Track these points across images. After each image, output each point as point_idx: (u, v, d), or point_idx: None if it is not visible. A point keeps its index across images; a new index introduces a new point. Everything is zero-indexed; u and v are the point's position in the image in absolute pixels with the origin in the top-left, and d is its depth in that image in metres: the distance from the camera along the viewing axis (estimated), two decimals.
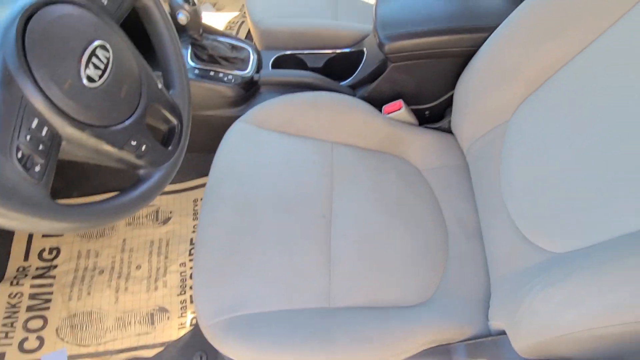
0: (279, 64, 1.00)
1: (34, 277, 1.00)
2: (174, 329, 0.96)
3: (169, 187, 1.12)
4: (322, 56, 1.01)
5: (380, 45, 0.79)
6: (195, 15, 0.80)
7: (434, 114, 0.95)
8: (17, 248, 1.04)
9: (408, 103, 0.92)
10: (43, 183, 0.39)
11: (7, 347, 0.92)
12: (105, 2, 0.49)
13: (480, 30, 0.77)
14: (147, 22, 0.58)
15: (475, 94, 0.78)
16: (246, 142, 0.79)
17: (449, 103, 0.90)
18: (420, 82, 0.87)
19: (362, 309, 0.67)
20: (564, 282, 0.52)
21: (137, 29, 0.58)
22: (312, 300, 0.67)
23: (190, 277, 1.02)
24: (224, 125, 0.84)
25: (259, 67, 0.93)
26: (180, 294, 1.00)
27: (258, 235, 0.70)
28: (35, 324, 0.96)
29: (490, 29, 0.75)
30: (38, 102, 0.39)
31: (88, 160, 0.47)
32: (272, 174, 0.76)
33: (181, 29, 0.82)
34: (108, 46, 0.46)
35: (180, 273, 1.02)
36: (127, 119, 0.48)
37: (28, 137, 0.37)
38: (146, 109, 0.51)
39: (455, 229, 0.79)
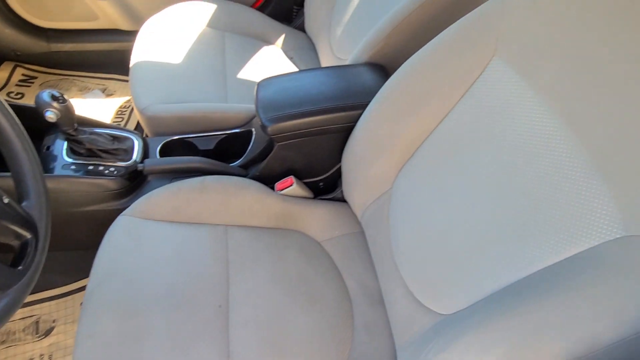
0: (168, 149, 0.98)
1: None
2: None
3: (50, 293, 1.00)
4: (212, 138, 1.02)
5: (263, 128, 0.81)
6: (66, 111, 0.76)
7: (328, 185, 0.98)
8: None
9: (301, 177, 0.94)
10: None
11: None
12: None
13: (354, 107, 0.82)
14: None
15: (359, 164, 0.82)
16: (130, 237, 0.74)
17: (340, 173, 0.94)
18: (308, 158, 0.90)
19: None
20: (452, 345, 0.53)
21: None
22: None
23: None
24: (110, 219, 0.79)
25: (145, 156, 0.91)
26: None
27: (145, 344, 0.64)
28: None
29: (363, 106, 0.81)
30: None
31: None
32: (161, 269, 0.72)
33: (54, 125, 0.78)
34: None
35: None
36: None
37: None
38: None
39: (359, 297, 0.80)
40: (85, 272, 1.05)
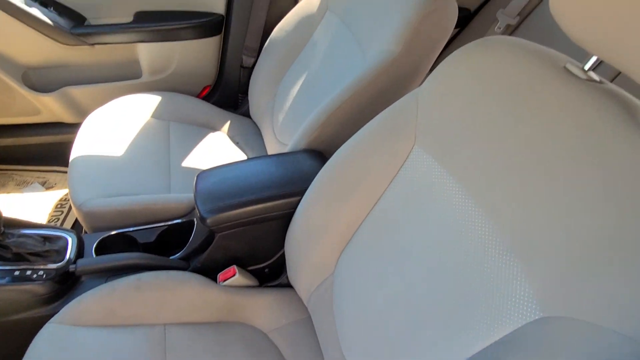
0: (106, 246, 0.95)
1: None
2: None
3: None
4: (153, 230, 0.99)
5: (202, 220, 0.81)
6: None
7: (273, 271, 0.97)
8: None
9: (245, 265, 0.92)
10: None
11: None
12: None
13: (293, 194, 0.84)
14: None
15: (301, 250, 0.82)
16: (56, 348, 0.69)
17: (285, 258, 0.93)
18: (251, 245, 0.90)
19: None
20: None
21: None
22: None
23: None
24: (37, 328, 0.73)
25: (79, 255, 0.87)
26: None
27: None
28: None
29: (302, 192, 0.83)
30: None
31: None
32: None
33: None
34: None
35: None
36: None
37: None
38: None
39: None
40: None
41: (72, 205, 1.02)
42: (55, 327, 0.72)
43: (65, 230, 0.90)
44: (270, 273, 0.97)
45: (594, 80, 0.51)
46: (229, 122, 1.42)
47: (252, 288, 0.89)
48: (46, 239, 0.85)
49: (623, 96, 0.49)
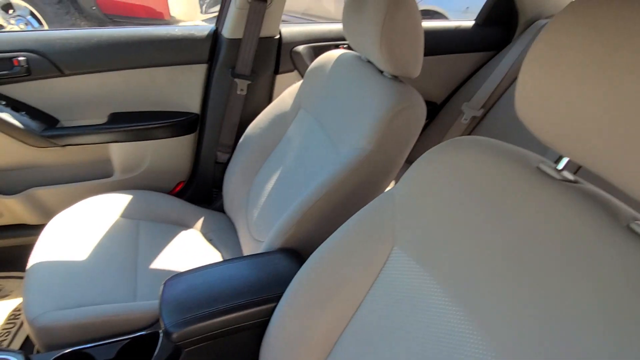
0: None
1: None
2: None
3: None
4: (113, 345, 0.89)
5: (168, 334, 0.73)
6: None
7: None
8: None
9: None
10: None
11: None
12: None
13: (268, 300, 0.78)
14: None
15: None
16: None
17: None
18: (220, 359, 0.81)
19: None
20: None
21: None
22: None
23: None
24: None
25: None
26: None
27: None
28: None
29: (277, 298, 0.77)
30: None
31: None
32: None
33: None
34: None
35: None
36: None
37: None
38: None
39: None
40: None
41: (23, 320, 0.92)
42: None
43: (10, 351, 0.80)
44: None
45: (569, 180, 0.51)
46: (202, 219, 1.38)
47: None
48: None
49: (601, 196, 0.48)
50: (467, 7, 3.71)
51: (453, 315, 0.54)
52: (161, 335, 0.90)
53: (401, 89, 0.92)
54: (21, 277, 1.44)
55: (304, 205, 0.91)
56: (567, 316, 0.42)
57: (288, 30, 1.48)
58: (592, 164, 0.44)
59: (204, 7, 3.92)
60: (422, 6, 4.03)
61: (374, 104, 0.91)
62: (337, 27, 1.57)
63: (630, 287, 0.40)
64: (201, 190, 1.58)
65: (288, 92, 1.31)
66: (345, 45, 1.53)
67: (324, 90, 1.15)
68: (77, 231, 1.15)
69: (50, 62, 1.26)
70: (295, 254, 0.91)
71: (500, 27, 1.68)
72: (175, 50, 1.37)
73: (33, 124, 1.29)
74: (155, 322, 0.94)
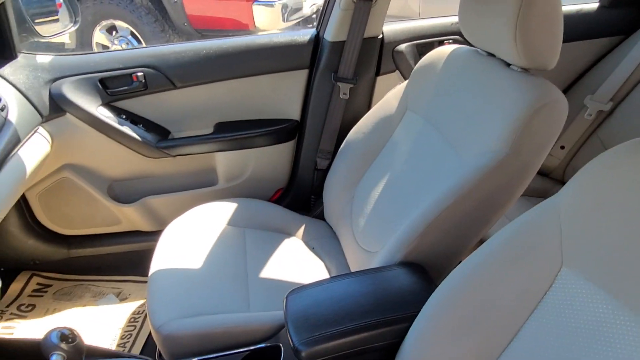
0: None
1: None
2: None
3: None
4: (234, 357, 0.89)
5: (297, 352, 0.70)
6: (75, 352, 0.67)
7: None
8: None
9: None
10: None
11: None
12: None
13: (399, 321, 0.72)
14: None
15: None
16: None
17: None
18: None
19: None
20: None
21: None
22: None
23: None
24: None
25: None
26: None
27: None
28: None
29: (408, 318, 0.71)
30: None
31: None
32: None
33: None
34: None
35: None
36: None
37: None
38: None
39: None
40: None
41: (150, 327, 0.96)
42: None
43: (140, 358, 0.82)
44: None
45: None
46: (303, 226, 1.36)
47: None
48: None
49: None
50: None
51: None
52: (283, 348, 0.88)
53: (538, 83, 0.82)
54: (139, 282, 1.53)
55: (428, 215, 0.84)
56: None
57: (390, 28, 1.42)
58: None
59: (285, 15, 3.98)
60: None
61: (508, 101, 0.82)
62: (440, 22, 1.47)
63: None
64: (300, 197, 1.57)
65: (392, 94, 1.25)
66: (450, 41, 1.44)
67: (436, 89, 1.07)
68: (191, 239, 1.18)
69: (164, 76, 1.31)
70: (420, 269, 0.84)
71: (629, 8, 1.48)
72: (277, 58, 1.37)
73: (149, 136, 1.36)
74: (273, 334, 0.92)
